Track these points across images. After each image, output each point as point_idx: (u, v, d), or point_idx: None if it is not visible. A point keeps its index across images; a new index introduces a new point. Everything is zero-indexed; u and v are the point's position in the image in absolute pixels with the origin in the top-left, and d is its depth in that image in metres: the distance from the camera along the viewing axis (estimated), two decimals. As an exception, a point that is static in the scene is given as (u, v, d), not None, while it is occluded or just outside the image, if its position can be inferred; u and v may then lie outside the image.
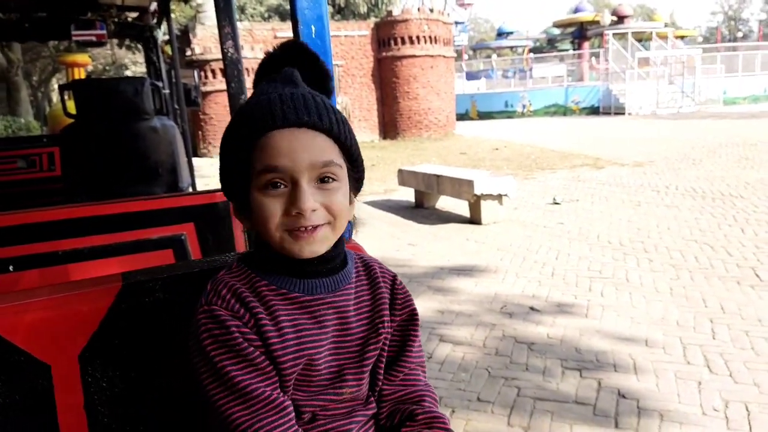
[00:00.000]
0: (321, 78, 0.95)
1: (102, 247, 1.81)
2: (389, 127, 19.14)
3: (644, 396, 2.76)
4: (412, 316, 1.03)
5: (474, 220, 6.62)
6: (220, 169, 0.93)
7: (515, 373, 3.04)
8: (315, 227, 0.86)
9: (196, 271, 1.01)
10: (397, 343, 1.02)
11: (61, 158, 3.10)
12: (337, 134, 0.87)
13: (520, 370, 3.08)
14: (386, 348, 1.00)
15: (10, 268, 1.71)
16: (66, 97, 3.28)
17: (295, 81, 0.90)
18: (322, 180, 0.86)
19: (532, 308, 3.94)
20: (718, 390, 2.76)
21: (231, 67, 1.69)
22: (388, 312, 1.00)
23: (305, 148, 0.84)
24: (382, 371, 1.00)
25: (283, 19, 31.42)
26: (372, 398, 1.00)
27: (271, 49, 0.98)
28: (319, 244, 0.87)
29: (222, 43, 1.72)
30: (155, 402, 0.99)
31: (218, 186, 2.13)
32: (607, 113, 25.34)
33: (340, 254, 0.96)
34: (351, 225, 1.04)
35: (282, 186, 0.85)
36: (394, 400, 1.01)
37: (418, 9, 18.68)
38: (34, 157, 3.90)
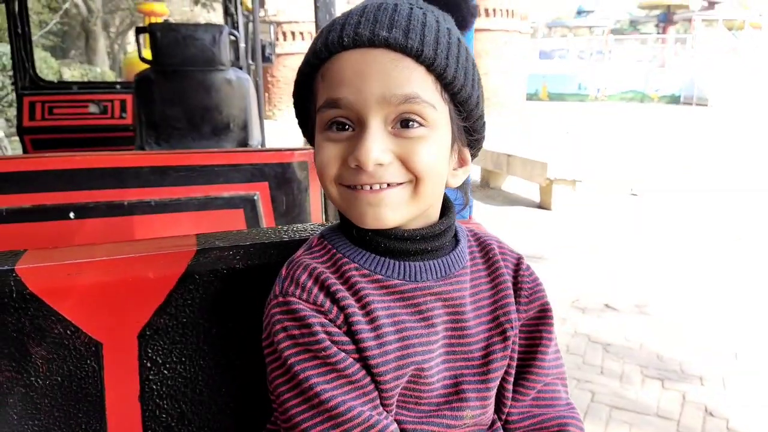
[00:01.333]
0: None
1: (170, 201, 1.67)
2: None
3: (734, 417, 2.49)
4: (544, 311, 0.79)
5: (544, 205, 6.30)
6: (295, 108, 0.72)
7: (589, 375, 2.80)
8: (383, 187, 0.64)
9: (285, 239, 0.82)
10: (526, 347, 0.78)
11: (133, 104, 3.01)
12: (432, 60, 0.62)
13: (594, 372, 2.84)
14: (516, 356, 0.77)
15: (71, 215, 1.59)
16: (142, 42, 3.18)
17: None
18: (402, 123, 0.63)
19: (607, 305, 3.65)
20: (822, 418, 2.45)
21: (322, 10, 1.49)
22: (515, 307, 0.76)
23: (377, 76, 0.61)
24: (510, 386, 0.76)
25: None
26: (498, 425, 0.77)
27: None
28: (387, 210, 0.65)
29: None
30: (226, 398, 0.80)
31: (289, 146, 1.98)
32: (688, 103, 23.96)
33: (449, 230, 0.72)
34: (467, 191, 0.81)
35: (348, 127, 0.63)
36: (525, 428, 0.77)
37: (497, -19, 17.97)
38: (106, 102, 3.86)
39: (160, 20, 11.44)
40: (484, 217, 5.94)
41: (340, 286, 0.66)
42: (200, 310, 0.77)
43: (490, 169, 7.36)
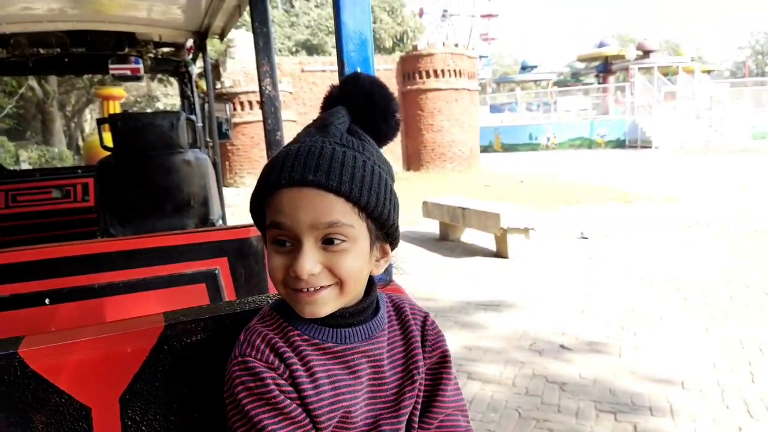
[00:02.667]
0: (376, 116, 0.90)
1: (137, 281, 1.81)
2: (413, 158, 19.23)
3: (682, 442, 2.66)
4: (444, 357, 0.99)
5: (500, 253, 6.56)
6: (251, 213, 0.92)
7: (547, 415, 2.95)
8: (317, 289, 0.83)
9: (237, 311, 1.00)
10: (430, 386, 0.98)
11: (96, 189, 3.15)
12: (347, 193, 0.80)
13: (552, 411, 2.99)
14: (421, 394, 0.96)
15: (47, 301, 1.72)
16: (102, 130, 3.35)
17: (327, 128, 0.86)
18: (328, 241, 0.81)
19: (562, 346, 3.84)
20: (761, 438, 2.64)
21: (268, 104, 1.71)
22: (422, 357, 0.96)
23: (307, 208, 0.80)
24: (416, 419, 0.95)
25: (310, 53, 32.13)
26: None
27: (330, 85, 0.94)
28: (320, 307, 0.84)
29: (260, 80, 1.74)
30: None
31: (247, 216, 2.15)
32: (633, 147, 25.13)
33: (371, 304, 0.93)
34: (390, 267, 1.02)
35: (288, 244, 0.82)
36: None
37: (443, 43, 18.92)
38: (68, 187, 3.98)
39: (117, 103, 11.62)
40: (444, 269, 6.15)
41: (286, 349, 0.85)
42: (170, 374, 0.94)
43: (448, 223, 7.63)
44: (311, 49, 34.27)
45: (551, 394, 3.17)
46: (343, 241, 0.82)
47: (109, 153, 2.99)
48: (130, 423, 0.91)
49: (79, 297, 1.75)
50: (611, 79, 32.64)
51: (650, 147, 24.11)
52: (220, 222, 3.29)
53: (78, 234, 3.51)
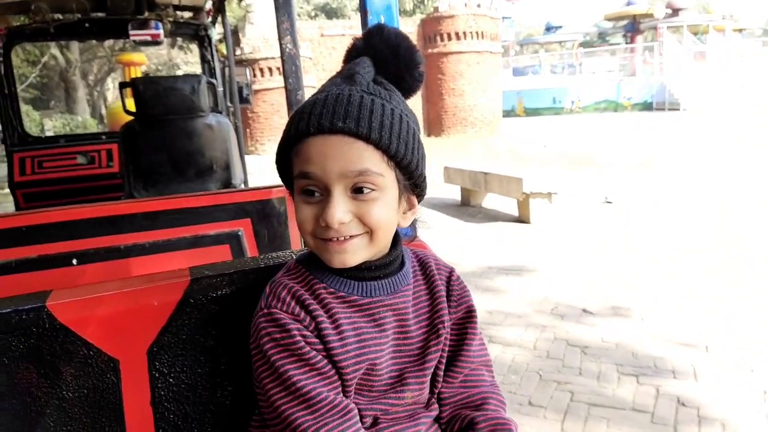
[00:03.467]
0: (400, 68, 0.89)
1: (162, 242, 1.84)
2: (434, 124, 19.05)
3: (705, 405, 2.65)
4: (469, 312, 0.99)
5: (522, 218, 6.51)
6: (277, 165, 0.91)
7: (568, 377, 2.96)
8: (346, 238, 0.83)
9: (261, 266, 1.01)
10: (455, 341, 0.98)
11: (120, 154, 3.18)
12: (377, 140, 0.80)
13: (573, 374, 3.00)
14: (446, 349, 0.97)
15: (74, 261, 1.75)
16: (125, 95, 3.37)
17: (354, 77, 0.85)
18: (357, 190, 0.81)
19: (584, 310, 3.83)
20: (786, 400, 2.63)
21: (289, 63, 1.69)
22: (447, 311, 0.96)
23: (336, 156, 0.79)
24: (441, 372, 0.96)
25: (329, 17, 31.68)
26: (434, 400, 0.97)
27: (354, 38, 0.93)
28: (350, 255, 0.84)
29: (280, 38, 1.71)
30: (221, 398, 0.98)
31: (269, 183, 2.15)
32: (661, 109, 24.50)
33: (397, 258, 0.93)
34: (415, 223, 1.01)
35: (317, 194, 0.82)
36: (455, 403, 0.97)
37: (465, 4, 18.48)
38: (93, 153, 4.02)
39: (139, 70, 11.65)
40: (466, 235, 6.14)
41: (312, 301, 0.85)
42: (196, 328, 0.95)
43: (470, 188, 7.58)
44: (330, 12, 33.78)
45: (573, 357, 3.18)
46: (373, 189, 0.82)
47: (131, 118, 3.00)
48: (157, 375, 0.93)
49: (106, 257, 1.78)
50: (639, 38, 31.67)
51: (678, 109, 23.50)
52: (242, 186, 3.31)
53: (103, 199, 3.56)
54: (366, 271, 0.88)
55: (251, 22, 17.08)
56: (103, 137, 4.32)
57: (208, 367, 0.97)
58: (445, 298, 0.97)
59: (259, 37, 16.88)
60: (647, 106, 25.49)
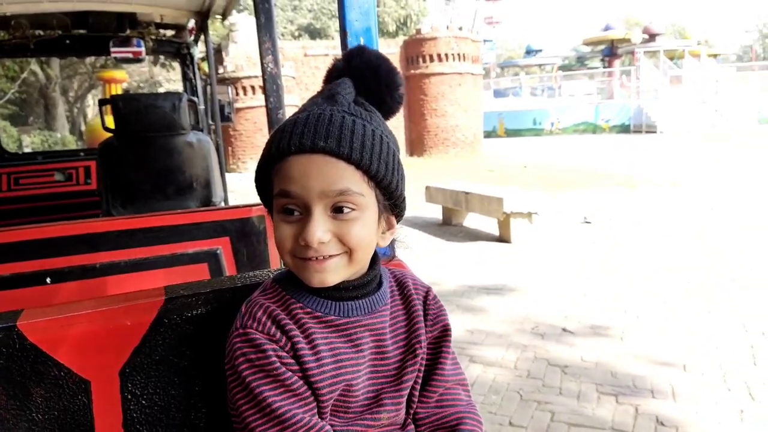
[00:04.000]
0: (381, 89, 0.89)
1: (139, 260, 1.81)
2: (416, 144, 19.17)
3: (683, 424, 2.66)
4: (445, 330, 0.98)
5: (503, 238, 6.55)
6: (256, 183, 0.91)
7: (548, 397, 2.96)
8: (326, 257, 0.82)
9: (238, 285, 0.99)
10: (430, 360, 0.97)
11: (98, 171, 3.14)
12: (358, 160, 0.80)
13: (553, 393, 3.00)
14: (422, 368, 0.96)
15: (48, 280, 1.72)
16: (104, 112, 3.34)
17: (335, 97, 0.85)
18: (337, 209, 0.80)
19: (564, 329, 3.85)
20: (761, 419, 2.64)
21: (270, 82, 1.69)
22: (424, 330, 0.95)
23: (317, 176, 0.79)
24: (417, 393, 0.95)
25: (312, 37, 31.89)
26: (410, 421, 0.96)
27: (336, 58, 0.94)
28: (329, 275, 0.83)
29: (262, 58, 1.72)
30: (195, 420, 0.96)
31: (250, 200, 2.14)
32: (638, 132, 25.00)
33: (375, 278, 0.92)
34: (393, 242, 1.01)
35: (297, 213, 0.81)
36: (431, 424, 0.96)
37: (447, 27, 18.76)
38: (70, 170, 3.98)
39: (120, 87, 11.58)
40: (447, 254, 6.15)
41: (288, 321, 0.84)
42: (170, 348, 0.93)
43: (451, 207, 7.62)
44: (314, 33, 34.04)
45: (553, 376, 3.18)
46: (353, 209, 0.81)
47: (110, 135, 2.97)
48: (130, 397, 0.90)
49: (81, 276, 1.75)
50: (617, 63, 32.42)
51: (655, 132, 23.97)
52: (222, 204, 3.29)
53: (80, 217, 3.51)
54: (344, 291, 0.87)
55: (234, 40, 17.13)
56: (81, 154, 4.27)
57: (182, 389, 0.94)
58: (422, 318, 0.96)
59: (243, 56, 16.92)
60: (625, 129, 25.99)
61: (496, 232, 6.76)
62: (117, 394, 0.90)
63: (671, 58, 28.44)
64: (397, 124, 19.26)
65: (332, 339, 0.86)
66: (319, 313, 0.86)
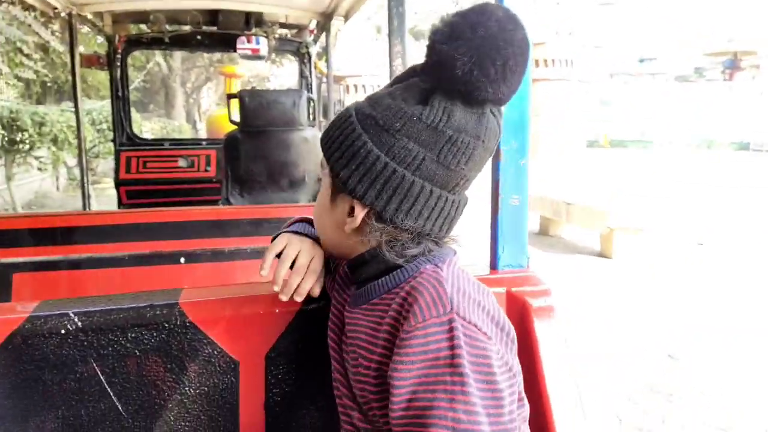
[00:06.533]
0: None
1: (262, 248, 1.91)
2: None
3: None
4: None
5: (604, 254, 6.28)
6: None
7: (650, 426, 2.82)
8: None
9: None
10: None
11: (219, 161, 3.33)
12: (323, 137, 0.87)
13: (656, 422, 2.85)
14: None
15: (182, 260, 1.85)
16: (231, 105, 3.54)
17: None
18: None
19: (670, 356, 3.64)
20: None
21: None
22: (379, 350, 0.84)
23: None
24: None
25: (417, 39, 31.99)
26: None
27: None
28: None
29: (391, 60, 1.76)
30: (329, 410, 1.00)
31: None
32: (758, 150, 23.10)
33: (363, 268, 0.86)
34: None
35: None
36: None
37: (556, 32, 18.22)
38: (193, 158, 4.25)
39: (238, 81, 12.21)
40: (543, 266, 5.98)
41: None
42: (312, 338, 0.98)
43: (549, 217, 7.40)
44: (418, 34, 34.14)
45: (656, 404, 3.02)
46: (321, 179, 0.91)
47: (234, 127, 3.15)
48: (273, 380, 0.96)
49: (211, 258, 1.87)
50: (738, 75, 30.09)
51: (777, 151, 22.04)
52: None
53: (201, 202, 3.75)
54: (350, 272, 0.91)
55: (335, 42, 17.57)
56: (203, 143, 4.54)
57: (320, 378, 0.99)
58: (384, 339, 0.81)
59: (346, 56, 17.32)
60: (743, 146, 24.09)
61: (597, 246, 6.49)
62: (262, 376, 0.95)
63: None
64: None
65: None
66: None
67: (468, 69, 0.73)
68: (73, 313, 0.91)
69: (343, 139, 0.81)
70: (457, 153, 0.78)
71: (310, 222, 1.02)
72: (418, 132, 0.77)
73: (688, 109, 26.68)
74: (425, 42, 0.80)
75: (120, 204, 4.19)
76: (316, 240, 0.96)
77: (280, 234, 0.99)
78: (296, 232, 0.98)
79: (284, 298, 0.89)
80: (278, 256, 0.93)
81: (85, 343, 0.92)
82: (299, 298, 0.90)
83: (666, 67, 35.84)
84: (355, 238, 0.84)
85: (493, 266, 1.14)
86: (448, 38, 0.74)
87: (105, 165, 11.40)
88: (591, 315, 4.43)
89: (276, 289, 0.88)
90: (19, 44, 9.73)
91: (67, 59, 4.35)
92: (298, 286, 0.91)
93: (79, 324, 0.91)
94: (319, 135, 3.32)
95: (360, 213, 0.81)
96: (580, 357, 3.62)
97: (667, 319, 4.33)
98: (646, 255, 6.21)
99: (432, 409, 0.69)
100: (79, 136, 3.71)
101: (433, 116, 0.77)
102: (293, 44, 4.20)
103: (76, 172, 9.81)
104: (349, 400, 0.86)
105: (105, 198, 8.80)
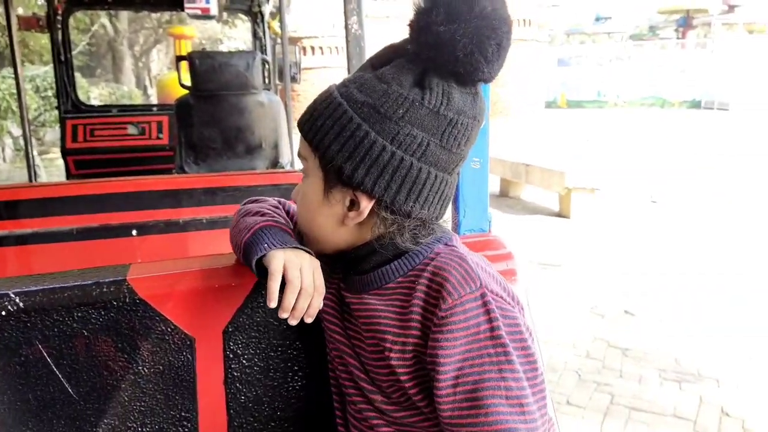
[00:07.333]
0: None
1: (218, 218, 1.85)
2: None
3: (750, 415, 2.58)
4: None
5: (563, 213, 6.40)
6: None
7: (608, 379, 2.92)
8: None
9: None
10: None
11: (173, 127, 3.21)
12: (302, 123, 0.82)
13: (613, 376, 2.95)
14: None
15: (134, 232, 1.78)
16: (181, 68, 3.38)
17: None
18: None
19: (626, 311, 3.76)
20: (839, 420, 2.53)
21: (353, 44, 1.66)
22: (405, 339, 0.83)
23: None
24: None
25: (373, -3, 31.34)
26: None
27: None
28: None
29: (346, 18, 1.68)
30: (293, 383, 0.98)
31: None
32: (709, 108, 23.75)
33: (365, 257, 0.84)
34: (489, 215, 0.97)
35: None
36: None
37: (513, -9, 18.13)
38: (143, 124, 4.08)
39: (189, 43, 11.74)
40: (503, 227, 6.06)
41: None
42: (271, 311, 0.94)
43: (509, 179, 7.48)
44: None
45: (613, 358, 3.13)
46: (303, 171, 0.85)
47: (185, 91, 3.02)
48: (231, 356, 0.93)
49: (164, 230, 1.80)
50: (691, 34, 30.66)
51: (727, 109, 22.72)
52: (289, 166, 3.32)
53: (153, 170, 3.61)
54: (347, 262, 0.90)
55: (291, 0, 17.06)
56: (154, 109, 4.37)
57: (280, 351, 0.96)
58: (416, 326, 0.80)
59: (303, 16, 16.87)
60: (695, 105, 24.72)
61: (555, 206, 6.61)
62: (220, 352, 0.92)
63: (750, 32, 26.70)
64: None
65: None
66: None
67: (469, 51, 0.73)
68: (13, 293, 0.85)
69: (340, 129, 0.77)
70: (458, 135, 0.78)
71: (272, 209, 0.95)
72: (421, 118, 0.75)
73: (643, 68, 27.11)
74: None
75: (69, 175, 4.02)
76: (303, 244, 0.88)
77: (268, 253, 0.84)
78: (284, 245, 0.85)
79: (294, 322, 0.82)
80: None
81: (29, 324, 0.86)
82: (309, 320, 0.83)
83: (622, 26, 36.24)
84: (357, 230, 0.83)
85: (455, 231, 1.12)
86: (445, 20, 0.72)
87: (53, 134, 10.94)
88: (550, 275, 4.53)
89: (285, 316, 0.81)
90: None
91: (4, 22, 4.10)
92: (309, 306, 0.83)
93: (21, 305, 0.85)
94: (275, 99, 3.20)
95: (367, 205, 0.79)
96: (540, 317, 3.71)
97: (623, 276, 4.46)
98: (603, 214, 6.36)
99: (483, 382, 0.72)
100: (20, 104, 3.51)
101: (434, 100, 0.75)
102: (245, 3, 4.03)
103: (22, 142, 9.40)
104: (366, 383, 0.84)
105: (54, 168, 8.46)
